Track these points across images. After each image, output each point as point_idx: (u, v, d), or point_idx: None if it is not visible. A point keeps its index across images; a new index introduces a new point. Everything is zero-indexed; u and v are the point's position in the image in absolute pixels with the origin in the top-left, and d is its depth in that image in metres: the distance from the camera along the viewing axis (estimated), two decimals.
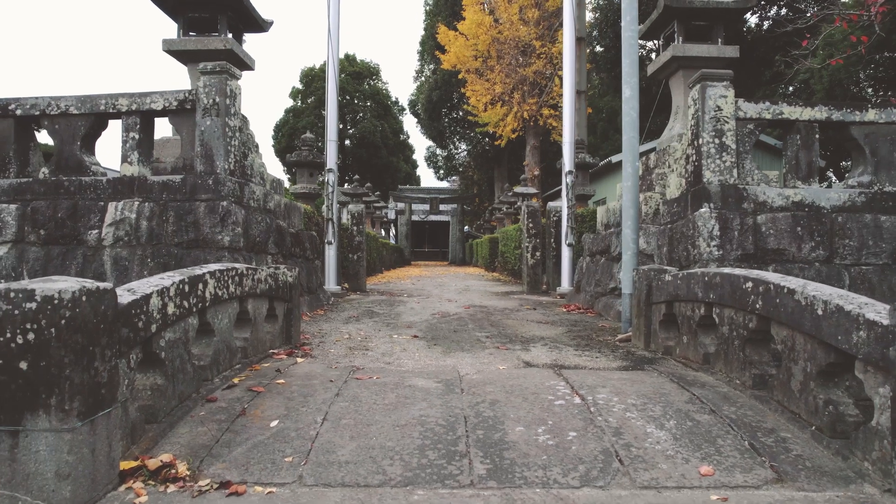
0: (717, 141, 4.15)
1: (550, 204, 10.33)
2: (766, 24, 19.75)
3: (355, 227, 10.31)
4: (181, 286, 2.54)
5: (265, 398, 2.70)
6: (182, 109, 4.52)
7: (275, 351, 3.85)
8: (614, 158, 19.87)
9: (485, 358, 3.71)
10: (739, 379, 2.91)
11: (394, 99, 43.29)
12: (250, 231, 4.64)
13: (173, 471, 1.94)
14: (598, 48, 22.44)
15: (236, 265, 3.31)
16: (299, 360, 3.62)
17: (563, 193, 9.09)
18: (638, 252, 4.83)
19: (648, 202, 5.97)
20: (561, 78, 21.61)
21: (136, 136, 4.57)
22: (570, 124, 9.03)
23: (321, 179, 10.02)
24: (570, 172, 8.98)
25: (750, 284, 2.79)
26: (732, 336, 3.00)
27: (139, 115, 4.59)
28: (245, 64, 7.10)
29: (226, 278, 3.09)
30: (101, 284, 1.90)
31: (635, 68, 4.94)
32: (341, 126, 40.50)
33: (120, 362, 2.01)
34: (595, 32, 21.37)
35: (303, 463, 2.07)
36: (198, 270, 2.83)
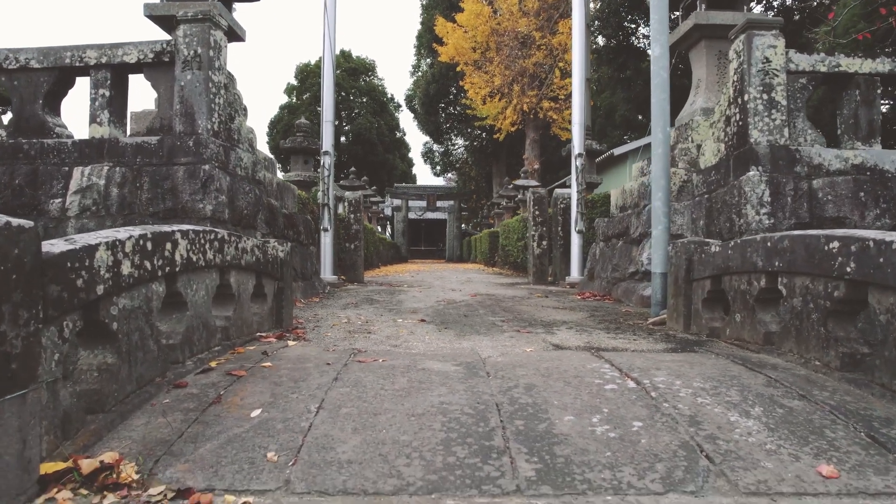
0: (765, 97, 3.67)
1: (558, 191, 9.83)
2: (770, 14, 19.36)
3: (352, 216, 9.80)
4: (142, 242, 2.04)
5: (247, 383, 2.19)
6: (159, 62, 3.99)
7: (263, 334, 3.34)
8: (617, 151, 19.42)
9: (505, 341, 3.22)
10: (820, 360, 2.42)
11: (390, 95, 42.81)
12: (236, 202, 4.12)
13: (114, 475, 1.43)
14: (600, 39, 21.99)
15: (216, 229, 2.80)
16: (291, 343, 3.11)
17: (573, 178, 8.60)
18: (668, 227, 4.35)
19: (672, 179, 5.49)
20: (562, 69, 21.19)
21: (107, 93, 4.04)
22: (580, 103, 8.53)
23: (318, 167, 9.51)
24: (580, 155, 8.50)
25: (836, 244, 2.30)
26: (808, 309, 2.51)
27: (110, 70, 4.06)
28: (235, 33, 6.56)
29: (202, 241, 2.59)
30: (15, 220, 1.39)
31: (665, 25, 4.46)
32: (337, 122, 39.86)
33: (46, 330, 1.50)
34: (597, 23, 20.90)
35: (291, 463, 1.56)
36: (166, 227, 2.32)
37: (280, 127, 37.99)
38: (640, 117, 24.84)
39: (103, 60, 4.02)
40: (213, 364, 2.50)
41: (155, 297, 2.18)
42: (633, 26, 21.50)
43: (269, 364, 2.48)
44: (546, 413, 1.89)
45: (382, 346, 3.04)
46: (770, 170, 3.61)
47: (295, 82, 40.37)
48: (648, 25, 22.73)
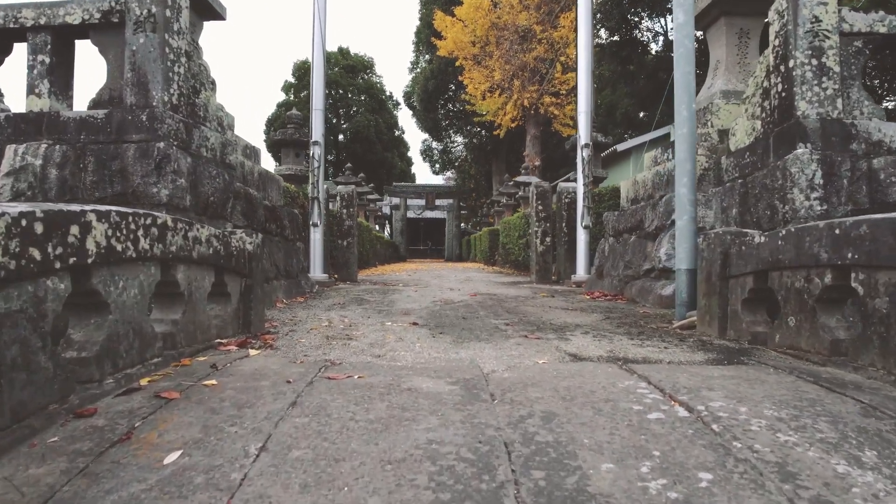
0: (814, 62, 3.14)
1: (562, 185, 9.30)
2: None
3: (345, 211, 9.27)
4: (25, 223, 1.51)
5: (174, 410, 1.66)
6: (107, 23, 3.46)
7: (224, 341, 2.82)
8: (620, 147, 18.92)
9: (511, 349, 2.69)
10: None
11: (388, 93, 42.35)
12: (200, 187, 3.59)
13: None
14: (603, 33, 21.47)
15: (155, 213, 2.27)
16: (253, 352, 2.58)
17: (579, 170, 8.07)
18: (695, 217, 3.83)
19: None
20: (563, 64, 20.64)
21: (47, 60, 3.50)
22: (587, 91, 8.00)
23: (309, 162, 8.98)
24: (586, 145, 7.97)
25: None
26: None
27: (50, 32, 3.52)
28: (213, 9, 6.02)
29: (132, 227, 2.06)
30: None
31: None
32: (335, 120, 39.34)
33: None
34: (598, 15, 20.37)
35: None
36: (74, 206, 1.79)
37: (277, 125, 37.49)
38: (641, 114, 24.34)
39: (42, 21, 3.48)
40: (143, 382, 1.97)
41: (51, 298, 1.64)
42: (636, 19, 20.99)
43: (212, 382, 1.95)
44: (575, 458, 1.36)
45: (362, 356, 2.51)
46: (821, 147, 3.08)
47: (293, 80, 39.92)
48: (651, 19, 22.18)
